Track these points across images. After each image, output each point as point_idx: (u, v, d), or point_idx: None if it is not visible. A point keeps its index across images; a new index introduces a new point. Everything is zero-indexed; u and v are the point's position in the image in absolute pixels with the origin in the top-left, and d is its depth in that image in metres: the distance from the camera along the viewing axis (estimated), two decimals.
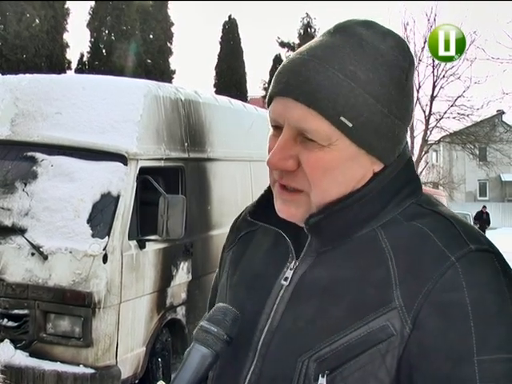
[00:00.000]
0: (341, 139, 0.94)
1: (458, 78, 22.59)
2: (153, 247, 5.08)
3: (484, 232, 22.71)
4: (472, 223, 20.56)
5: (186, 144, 5.66)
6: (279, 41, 31.50)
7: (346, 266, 0.96)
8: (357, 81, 0.94)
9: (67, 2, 23.81)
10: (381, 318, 0.90)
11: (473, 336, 0.86)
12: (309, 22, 31.36)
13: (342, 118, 0.93)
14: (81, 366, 4.48)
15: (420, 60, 22.84)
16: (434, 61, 22.21)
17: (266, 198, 1.07)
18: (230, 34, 28.36)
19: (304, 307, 0.97)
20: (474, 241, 0.93)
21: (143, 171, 4.94)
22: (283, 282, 1.01)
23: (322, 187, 0.96)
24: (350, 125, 0.93)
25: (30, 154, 4.97)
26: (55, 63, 22.16)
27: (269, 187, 1.07)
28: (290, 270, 1.01)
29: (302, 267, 1.00)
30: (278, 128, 0.99)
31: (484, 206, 24.61)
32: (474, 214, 22.90)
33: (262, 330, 1.00)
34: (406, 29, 22.99)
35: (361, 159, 0.97)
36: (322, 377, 0.91)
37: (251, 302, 1.03)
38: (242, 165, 6.68)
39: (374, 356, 0.90)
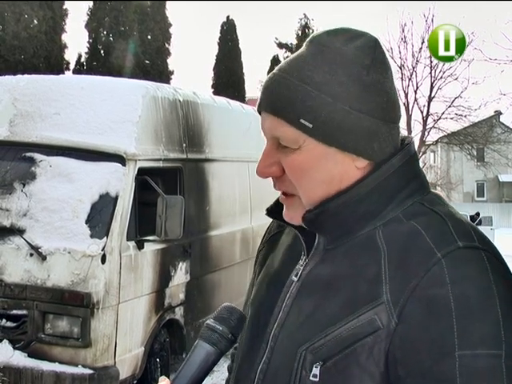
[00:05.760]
0: (308, 140, 1.01)
1: (456, 78, 22.63)
2: (151, 248, 5.08)
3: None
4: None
5: (185, 145, 5.67)
6: (277, 42, 31.52)
7: (344, 263, 1.01)
8: (312, 84, 0.99)
9: (65, 2, 23.80)
10: (370, 312, 0.94)
11: (455, 331, 0.88)
12: (307, 23, 31.35)
13: (302, 121, 0.99)
14: (79, 366, 4.49)
15: (418, 61, 22.89)
16: (431, 62, 22.26)
17: None
18: (228, 34, 28.34)
19: (306, 302, 1.03)
20: (463, 238, 0.95)
21: (142, 172, 4.95)
22: (294, 277, 1.07)
23: (305, 187, 1.03)
24: (311, 125, 0.99)
25: (28, 154, 4.97)
26: (53, 64, 22.14)
27: None
28: (301, 266, 1.07)
29: (310, 264, 1.06)
30: None
31: (477, 213, 24.48)
32: (468, 214, 22.83)
33: (273, 323, 1.06)
34: (403, 30, 23.05)
35: (336, 157, 1.01)
36: (316, 367, 0.96)
37: (269, 297, 1.10)
38: (240, 165, 6.69)
39: (363, 348, 0.94)
